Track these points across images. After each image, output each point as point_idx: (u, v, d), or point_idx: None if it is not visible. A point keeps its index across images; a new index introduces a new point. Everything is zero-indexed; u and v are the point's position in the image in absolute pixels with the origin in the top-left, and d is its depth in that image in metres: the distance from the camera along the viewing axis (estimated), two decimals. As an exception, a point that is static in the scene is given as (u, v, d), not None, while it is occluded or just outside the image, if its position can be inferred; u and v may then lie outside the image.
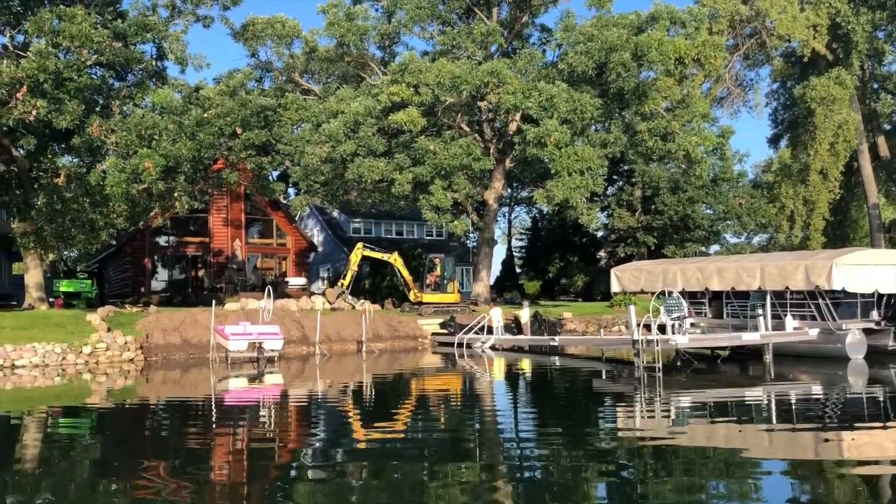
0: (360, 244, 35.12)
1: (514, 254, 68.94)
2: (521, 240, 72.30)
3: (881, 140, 52.21)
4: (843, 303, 21.14)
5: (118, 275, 44.31)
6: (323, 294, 35.22)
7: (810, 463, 9.28)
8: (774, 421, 12.45)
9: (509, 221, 72.05)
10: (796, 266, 20.85)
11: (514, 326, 30.54)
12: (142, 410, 15.57)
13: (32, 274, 30.14)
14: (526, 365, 23.76)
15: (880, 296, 21.34)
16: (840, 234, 58.77)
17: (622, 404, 15.07)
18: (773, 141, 57.91)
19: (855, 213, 62.16)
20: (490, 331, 28.67)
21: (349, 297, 33.58)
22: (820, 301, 20.82)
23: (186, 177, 27.75)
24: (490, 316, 29.50)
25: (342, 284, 33.72)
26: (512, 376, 21.41)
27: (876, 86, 53.31)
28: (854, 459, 9.57)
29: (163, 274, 43.14)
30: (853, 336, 20.40)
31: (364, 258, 35.51)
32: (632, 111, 33.72)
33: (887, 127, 54.62)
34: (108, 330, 25.07)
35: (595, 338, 25.29)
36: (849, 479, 8.49)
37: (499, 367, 23.32)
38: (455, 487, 8.34)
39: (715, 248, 56.50)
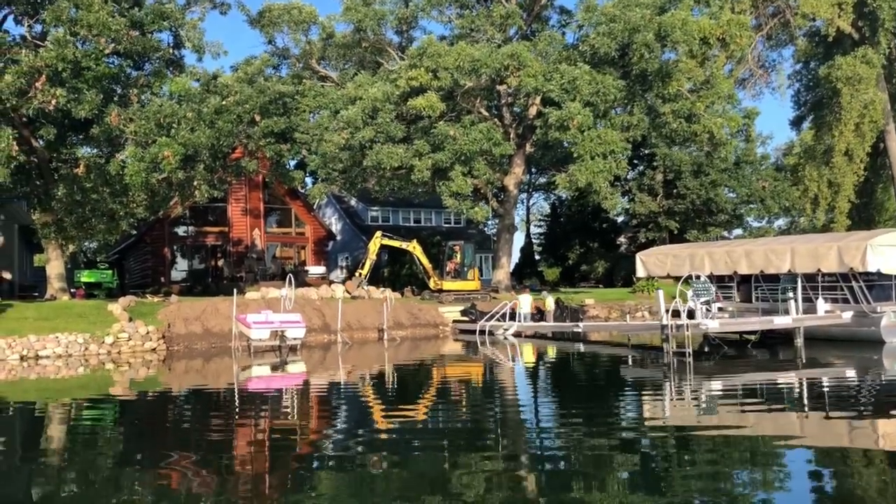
0: (378, 233, 34.88)
1: (533, 241, 68.50)
2: (539, 226, 71.87)
3: (908, 120, 51.16)
4: (877, 285, 20.62)
5: (138, 265, 44.39)
6: (343, 284, 35.06)
7: (843, 451, 8.95)
8: (806, 407, 12.07)
9: (528, 208, 71.63)
10: (828, 248, 20.35)
11: (536, 314, 30.18)
12: (165, 400, 15.46)
13: (54, 265, 30.17)
14: (551, 352, 23.45)
15: (917, 278, 20.82)
16: (865, 216, 57.81)
17: (653, 391, 14.73)
18: (796, 123, 56.94)
19: (881, 195, 61.12)
20: (513, 317, 28.35)
21: (366, 286, 33.39)
22: (853, 283, 20.32)
23: (205, 165, 27.56)
24: (518, 301, 29.23)
25: (360, 274, 33.54)
26: (537, 363, 21.11)
27: (902, 65, 52.23)
28: (888, 448, 9.22)
29: (182, 264, 43.17)
30: (889, 319, 19.90)
31: (383, 247, 35.28)
32: (654, 93, 33.12)
33: (913, 107, 53.51)
34: (130, 320, 25.01)
35: (622, 324, 24.92)
36: (881, 468, 8.16)
37: (522, 354, 23.03)
38: (478, 476, 8.13)
39: (737, 232, 55.83)
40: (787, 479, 7.83)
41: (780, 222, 64.59)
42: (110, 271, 38.69)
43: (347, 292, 32.34)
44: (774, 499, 7.17)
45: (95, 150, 28.28)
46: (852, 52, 44.97)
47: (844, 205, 48.80)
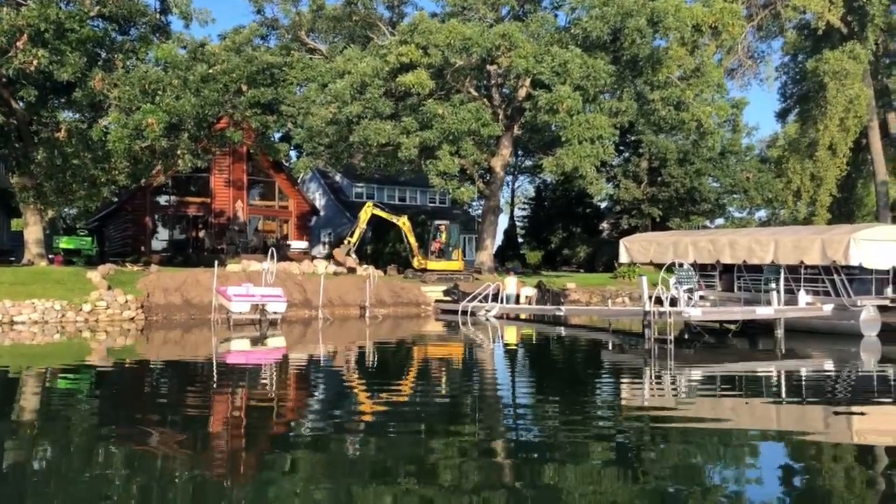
0: (370, 202, 34.60)
1: (517, 223, 68.51)
2: (523, 209, 71.89)
3: (891, 116, 51.51)
4: (857, 279, 20.76)
5: (118, 233, 43.91)
6: (330, 256, 34.86)
7: (816, 442, 8.99)
8: (783, 398, 12.14)
9: (512, 191, 71.58)
10: (812, 240, 20.44)
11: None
12: (142, 370, 15.28)
13: (32, 230, 29.73)
14: (532, 334, 23.46)
15: (895, 272, 20.97)
16: (845, 210, 58.31)
17: (633, 376, 14.76)
18: (782, 115, 57.15)
19: (861, 190, 61.65)
20: (496, 299, 28.34)
21: (354, 255, 33.21)
22: (835, 276, 20.44)
23: (190, 134, 27.20)
24: (505, 283, 29.23)
25: (349, 242, 33.32)
26: (518, 345, 21.11)
27: (888, 61, 52.48)
28: (860, 437, 9.34)
29: (163, 233, 42.76)
30: (867, 313, 20.05)
31: (368, 222, 35.06)
32: (644, 79, 33.02)
33: (897, 104, 53.86)
34: (109, 288, 24.73)
35: (604, 308, 24.95)
36: (853, 457, 8.27)
37: (503, 336, 23.02)
38: (454, 457, 8.11)
39: (719, 221, 56.12)
40: (759, 467, 7.87)
41: (762, 213, 65.03)
42: (90, 238, 38.18)
43: (336, 261, 32.16)
44: (746, 486, 7.18)
45: (77, 115, 27.82)
46: (840, 47, 45.06)
47: (826, 198, 49.12)
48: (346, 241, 33.74)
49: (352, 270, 32.33)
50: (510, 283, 29.40)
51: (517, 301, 29.39)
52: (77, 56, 23.74)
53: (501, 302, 28.41)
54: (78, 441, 8.77)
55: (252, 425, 9.79)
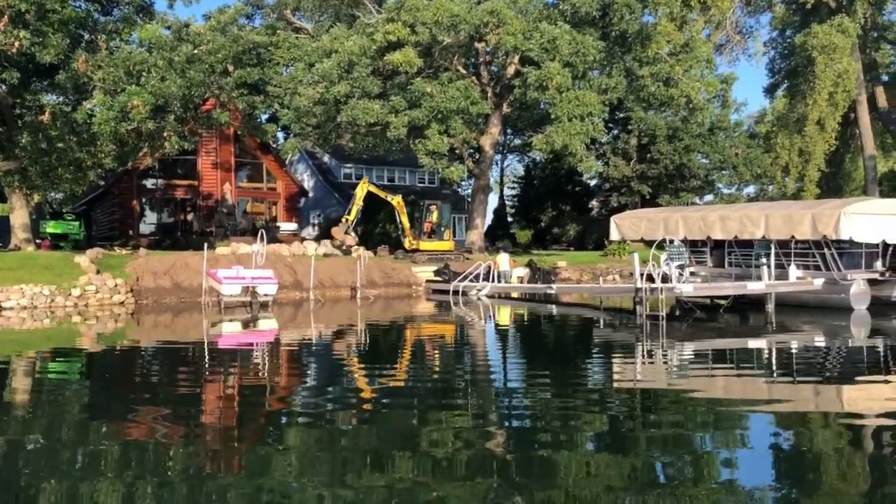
0: (364, 179, 34.32)
1: (506, 203, 68.41)
2: (512, 188, 71.72)
3: (879, 90, 51.60)
4: (847, 253, 20.84)
5: (105, 217, 43.57)
6: (320, 237, 34.72)
7: (807, 415, 9.05)
8: (775, 372, 12.20)
9: (501, 170, 71.36)
10: (803, 215, 20.45)
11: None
12: (133, 354, 15.18)
13: (18, 214, 29.45)
14: (523, 313, 23.46)
15: (885, 246, 21.05)
16: (833, 185, 58.51)
17: (626, 353, 14.77)
18: (770, 91, 57.10)
19: (849, 165, 61.83)
20: (487, 278, 28.32)
21: (353, 233, 33.10)
22: (825, 251, 20.50)
23: (176, 116, 26.90)
24: (497, 261, 29.26)
25: (347, 220, 33.09)
26: (510, 324, 21.11)
27: (876, 35, 52.46)
28: (851, 410, 9.39)
29: (151, 217, 42.49)
30: (857, 286, 20.13)
31: (367, 195, 34.86)
32: (633, 56, 32.85)
33: (885, 78, 53.93)
34: (98, 272, 24.54)
35: (595, 286, 24.96)
36: (844, 430, 8.28)
37: (495, 315, 23.01)
38: (447, 434, 8.10)
39: (708, 198, 56.18)
40: (750, 440, 7.90)
41: (750, 189, 65.20)
42: (77, 222, 37.89)
43: (335, 239, 32.04)
44: (737, 458, 7.22)
45: (61, 98, 27.45)
46: (829, 21, 44.97)
47: (814, 173, 49.22)
48: (343, 219, 33.50)
49: (347, 251, 32.20)
50: (503, 261, 29.40)
51: (510, 278, 29.42)
52: (59, 37, 23.38)
53: (496, 280, 28.43)
54: (69, 429, 8.68)
55: (245, 409, 9.73)
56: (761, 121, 68.98)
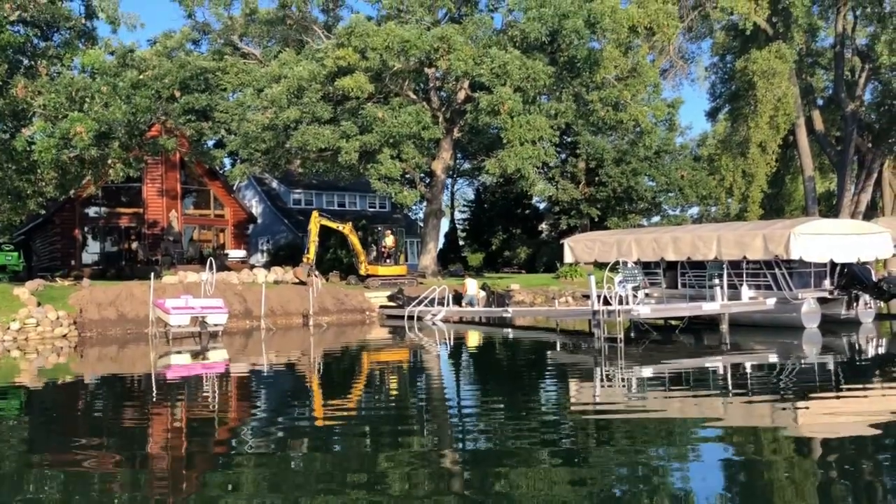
0: (315, 212, 33.50)
1: (457, 226, 68.48)
2: (463, 212, 71.86)
3: (816, 114, 53.26)
4: (797, 272, 21.22)
5: (46, 247, 42.18)
6: (278, 263, 33.94)
7: (760, 432, 9.18)
8: (731, 390, 12.32)
9: (452, 194, 71.46)
10: (754, 235, 20.80)
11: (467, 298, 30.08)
12: (76, 389, 14.63)
13: (-48, 245, 28.25)
14: (480, 337, 23.29)
15: (833, 265, 21.50)
16: (775, 206, 60.12)
17: (584, 377, 14.72)
18: (711, 114, 58.65)
19: (789, 186, 63.64)
20: (441, 303, 28.11)
21: (316, 271, 32.06)
22: (776, 270, 20.84)
23: (121, 143, 26.18)
24: (465, 285, 29.31)
25: (308, 259, 32.01)
26: (467, 349, 20.89)
27: (811, 60, 54.28)
28: (804, 428, 9.50)
29: (94, 246, 41.24)
30: (808, 305, 20.49)
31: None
32: (581, 80, 33.26)
33: (820, 102, 55.76)
34: (38, 305, 23.62)
35: (552, 309, 24.96)
36: (797, 447, 8.43)
37: (452, 339, 22.78)
38: (402, 463, 7.97)
39: (655, 219, 57.06)
40: (706, 460, 7.95)
41: (693, 211, 66.53)
42: (16, 253, 36.47)
43: (297, 279, 31.05)
44: (691, 477, 7.30)
45: (-1, 125, 26.51)
46: (767, 47, 46.37)
47: (757, 194, 50.52)
48: (304, 259, 32.40)
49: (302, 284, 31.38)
50: (471, 285, 29.33)
51: (478, 303, 29.38)
52: (-3, 63, 22.63)
53: (467, 305, 28.36)
54: (7, 467, 8.21)
55: (194, 442, 9.42)
56: (703, 144, 70.64)
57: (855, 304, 21.55)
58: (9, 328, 22.33)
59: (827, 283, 21.48)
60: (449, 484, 7.10)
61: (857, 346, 18.38)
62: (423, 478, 7.31)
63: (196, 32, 38.16)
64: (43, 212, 36.94)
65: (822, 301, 21.05)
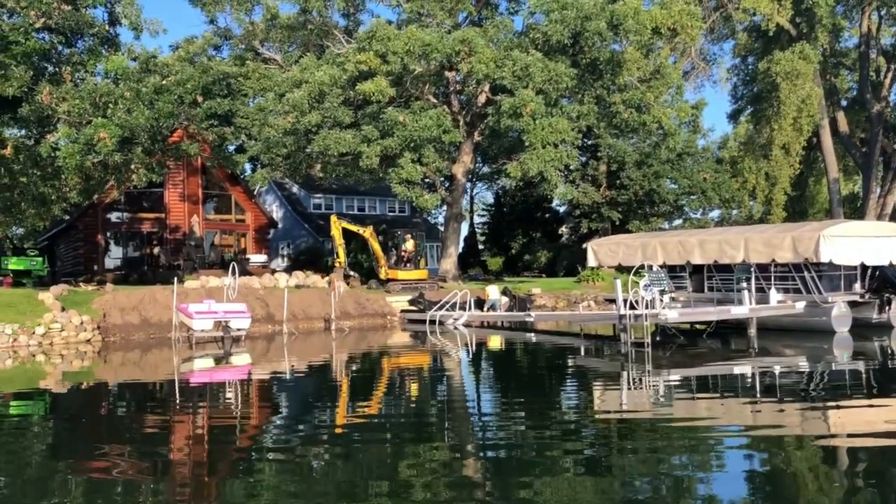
0: (333, 216, 33.73)
1: (477, 230, 68.32)
2: (482, 216, 71.70)
3: (840, 115, 52.64)
4: (826, 275, 20.86)
5: (69, 252, 42.49)
6: (300, 267, 34.03)
7: (792, 438, 8.99)
8: (758, 396, 12.05)
9: (471, 198, 71.34)
10: (783, 238, 20.45)
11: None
12: (100, 393, 14.60)
13: (-22, 251, 28.49)
14: (502, 342, 23.09)
15: (864, 268, 21.11)
16: (799, 209, 59.40)
17: (612, 381, 14.49)
18: (733, 116, 58.05)
19: (813, 188, 62.89)
20: (463, 307, 27.93)
21: (352, 272, 32.61)
22: (806, 273, 20.49)
23: (144, 148, 26.28)
24: (487, 291, 29.17)
25: (340, 264, 32.53)
26: (490, 353, 20.71)
27: (835, 61, 53.67)
28: (836, 434, 9.32)
29: (116, 251, 41.50)
30: (839, 309, 20.12)
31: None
32: (604, 83, 33.00)
33: (844, 103, 55.11)
34: (63, 309, 23.72)
35: (575, 313, 24.73)
36: (828, 454, 8.25)
37: (474, 344, 22.60)
38: (424, 468, 7.91)
39: (677, 222, 56.60)
40: (731, 469, 7.76)
41: (714, 214, 65.98)
42: (40, 258, 36.82)
43: (333, 285, 31.10)
44: (716, 486, 7.14)
45: (24, 131, 26.70)
46: (790, 48, 45.85)
47: (781, 197, 49.97)
48: (337, 264, 32.94)
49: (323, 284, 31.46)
50: (492, 291, 29.14)
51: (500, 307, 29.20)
52: (22, 70, 22.75)
53: (489, 309, 28.14)
54: (32, 471, 8.19)
55: (216, 448, 9.36)
56: (724, 146, 70.05)
57: (887, 308, 21.12)
58: (34, 333, 22.44)
59: (858, 286, 21.09)
60: (471, 492, 6.98)
61: (889, 350, 18.01)
62: (446, 486, 7.19)
63: (218, 38, 38.35)
64: (66, 217, 37.25)
65: (852, 304, 20.67)
